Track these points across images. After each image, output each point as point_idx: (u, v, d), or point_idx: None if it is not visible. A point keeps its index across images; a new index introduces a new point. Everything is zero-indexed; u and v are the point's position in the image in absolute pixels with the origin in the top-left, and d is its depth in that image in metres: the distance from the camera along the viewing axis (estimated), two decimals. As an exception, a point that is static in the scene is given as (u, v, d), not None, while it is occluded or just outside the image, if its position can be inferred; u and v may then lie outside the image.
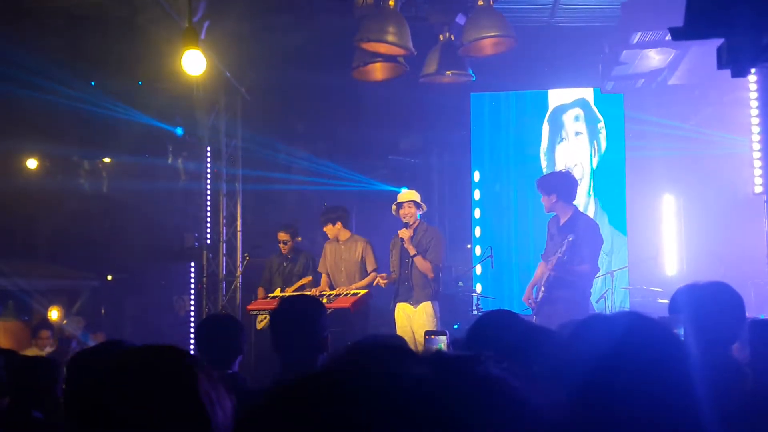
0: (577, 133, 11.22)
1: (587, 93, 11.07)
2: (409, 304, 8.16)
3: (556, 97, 11.33)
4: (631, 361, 1.44)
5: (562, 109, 11.29)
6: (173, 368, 1.60)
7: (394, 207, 8.36)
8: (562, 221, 7.70)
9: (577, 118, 11.23)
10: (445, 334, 2.72)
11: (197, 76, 8.20)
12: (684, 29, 2.64)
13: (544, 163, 11.29)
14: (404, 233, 8.14)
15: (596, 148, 11.14)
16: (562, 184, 7.81)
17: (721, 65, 2.69)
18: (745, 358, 4.23)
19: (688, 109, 10.87)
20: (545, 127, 11.36)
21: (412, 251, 8.11)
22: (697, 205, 10.75)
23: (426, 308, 8.10)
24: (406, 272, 8.20)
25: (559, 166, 10.88)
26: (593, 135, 11.17)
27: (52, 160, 13.15)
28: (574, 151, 11.17)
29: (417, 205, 8.25)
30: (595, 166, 11.10)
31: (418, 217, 8.28)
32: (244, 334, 4.10)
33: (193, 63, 7.73)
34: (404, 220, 8.23)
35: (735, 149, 9.52)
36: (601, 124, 11.08)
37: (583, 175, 10.96)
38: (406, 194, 8.39)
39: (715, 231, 10.06)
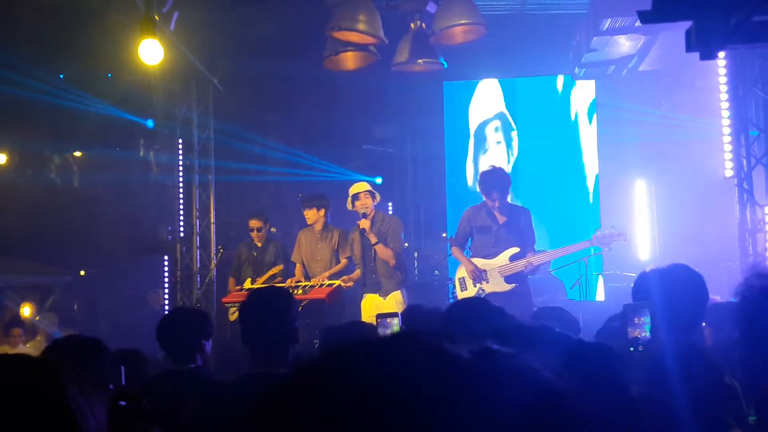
0: (497, 143, 11.59)
1: (501, 104, 11.68)
2: (378, 295, 8.07)
3: (478, 114, 11.79)
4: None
5: (484, 124, 11.75)
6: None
7: (349, 201, 8.22)
8: (504, 218, 7.72)
9: (497, 129, 11.71)
10: (397, 316, 2.72)
11: (164, 67, 8.11)
12: (652, 12, 2.64)
13: (470, 172, 11.71)
14: (364, 223, 8.03)
15: (512, 154, 11.63)
16: (509, 182, 7.88)
17: (690, 48, 2.69)
18: (719, 342, 4.28)
19: (659, 94, 10.95)
20: (471, 141, 11.84)
21: (373, 239, 8.01)
22: (669, 189, 10.84)
23: (396, 297, 8.04)
24: (371, 264, 8.11)
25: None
26: (509, 143, 11.64)
27: (22, 155, 12.98)
28: (495, 160, 11.44)
29: (372, 194, 8.17)
30: (510, 170, 11.29)
31: (374, 208, 8.19)
32: (206, 327, 4.07)
33: (150, 52, 7.63)
34: (361, 212, 8.09)
35: (706, 133, 9.60)
36: (515, 132, 11.61)
37: None
38: (360, 185, 8.27)
39: (687, 215, 10.14)
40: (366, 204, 8.11)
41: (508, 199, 7.86)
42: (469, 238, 7.97)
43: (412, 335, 0.87)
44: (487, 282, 7.73)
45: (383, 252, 8.03)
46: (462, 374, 0.79)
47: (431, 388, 0.76)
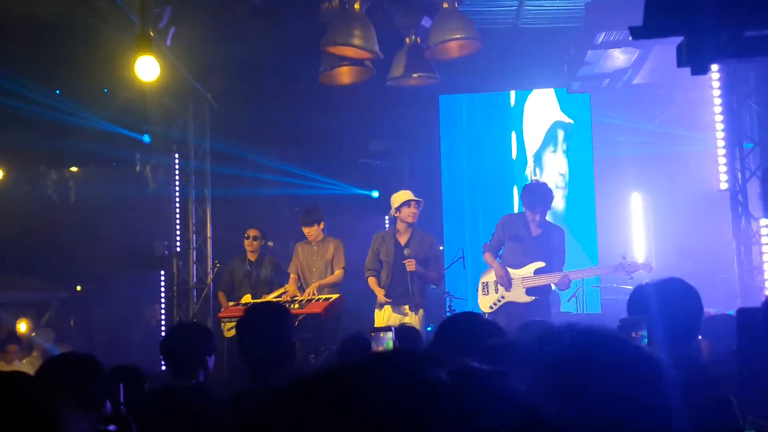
0: (564, 151, 11.50)
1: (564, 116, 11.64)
2: (409, 308, 7.93)
3: (555, 113, 11.68)
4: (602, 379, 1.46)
5: (558, 125, 11.65)
6: (26, 394, 1.60)
7: (394, 208, 8.05)
8: (538, 231, 7.79)
9: (566, 137, 11.63)
10: (391, 331, 2.75)
11: (160, 82, 8.10)
12: (643, 28, 2.65)
13: (531, 168, 11.68)
14: (411, 266, 7.84)
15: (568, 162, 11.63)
16: (552, 199, 7.96)
17: (681, 63, 2.70)
18: (716, 355, 4.28)
19: (654, 107, 10.99)
20: (538, 137, 11.71)
21: (421, 271, 7.90)
22: (665, 202, 10.85)
23: (421, 315, 7.99)
24: (403, 275, 7.92)
25: (547, 174, 11.18)
26: (569, 152, 11.62)
27: (19, 170, 12.99)
28: (560, 164, 11.56)
29: (419, 204, 8.04)
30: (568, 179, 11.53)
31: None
32: (210, 343, 4.07)
33: (147, 69, 7.64)
34: (408, 220, 7.99)
35: (700, 146, 9.62)
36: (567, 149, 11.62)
37: (565, 184, 11.53)
38: (407, 193, 8.11)
39: (682, 228, 10.16)
40: (415, 213, 8.01)
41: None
42: (502, 246, 8.01)
43: (396, 359, 0.90)
44: (508, 290, 7.78)
45: (432, 275, 8.05)
46: (439, 397, 0.82)
47: (410, 413, 0.79)
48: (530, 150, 11.75)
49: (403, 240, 8.06)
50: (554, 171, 11.53)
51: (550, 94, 11.63)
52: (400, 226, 8.10)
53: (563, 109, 11.52)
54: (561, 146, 11.64)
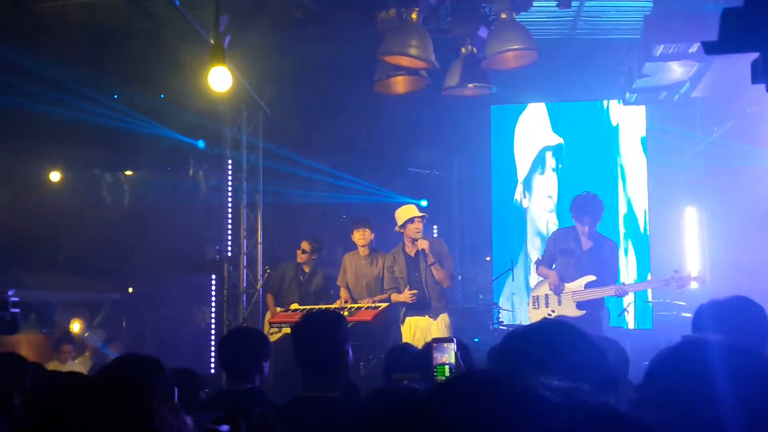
0: (553, 169, 11.44)
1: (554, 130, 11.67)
2: (428, 316, 8.03)
3: (531, 137, 11.76)
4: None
5: (547, 149, 11.70)
6: (132, 395, 1.61)
7: (399, 224, 8.13)
8: (589, 244, 7.72)
9: (554, 155, 11.65)
10: (453, 341, 2.74)
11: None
12: (718, 43, 2.61)
13: (519, 191, 11.72)
14: (423, 243, 8.00)
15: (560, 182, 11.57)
16: (602, 210, 7.85)
17: (756, 79, 2.65)
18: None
19: (711, 121, 10.79)
20: (527, 162, 11.72)
21: (431, 260, 7.99)
22: (721, 217, 10.65)
23: (444, 319, 8.05)
24: (419, 285, 8.07)
25: (536, 195, 11.34)
26: (562, 170, 11.59)
27: (75, 174, 13.23)
28: (549, 184, 11.43)
29: (423, 219, 8.13)
30: (557, 198, 11.48)
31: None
32: (266, 348, 4.10)
33: (220, 79, 7.74)
34: (416, 236, 8.06)
35: (758, 161, 9.43)
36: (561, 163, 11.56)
37: (553, 206, 11.50)
38: (413, 209, 8.18)
39: (738, 243, 9.94)
40: (419, 228, 8.07)
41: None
42: (554, 262, 7.99)
43: (503, 377, 0.91)
44: (559, 304, 7.74)
45: (439, 273, 8.01)
46: (552, 413, 0.82)
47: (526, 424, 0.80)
48: (520, 174, 11.74)
49: (412, 252, 8.12)
50: (537, 192, 11.53)
51: (542, 109, 11.59)
52: (407, 240, 8.14)
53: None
54: (548, 168, 11.60)
